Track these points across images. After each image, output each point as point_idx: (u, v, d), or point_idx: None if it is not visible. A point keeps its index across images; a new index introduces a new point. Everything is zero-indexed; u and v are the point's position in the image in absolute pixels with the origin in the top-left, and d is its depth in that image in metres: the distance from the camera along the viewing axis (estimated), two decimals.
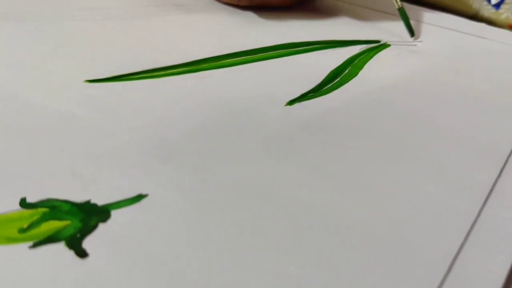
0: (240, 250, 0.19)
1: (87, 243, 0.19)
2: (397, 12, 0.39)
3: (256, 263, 0.19)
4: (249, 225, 0.21)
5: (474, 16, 0.42)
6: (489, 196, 0.23)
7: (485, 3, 0.40)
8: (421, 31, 0.37)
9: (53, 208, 0.20)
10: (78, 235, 0.19)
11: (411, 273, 0.19)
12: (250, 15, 0.36)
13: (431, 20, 0.39)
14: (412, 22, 0.39)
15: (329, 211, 0.22)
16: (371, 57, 0.33)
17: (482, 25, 0.40)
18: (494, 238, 0.21)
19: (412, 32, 0.36)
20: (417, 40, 0.36)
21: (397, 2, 0.35)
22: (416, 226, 0.21)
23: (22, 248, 0.19)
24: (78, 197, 0.21)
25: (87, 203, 0.21)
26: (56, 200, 0.21)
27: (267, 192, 0.22)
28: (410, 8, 0.41)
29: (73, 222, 0.20)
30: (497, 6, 0.40)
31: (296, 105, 0.28)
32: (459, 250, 0.20)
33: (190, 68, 0.30)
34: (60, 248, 0.19)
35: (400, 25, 0.38)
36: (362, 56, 0.33)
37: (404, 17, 0.36)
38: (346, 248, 0.20)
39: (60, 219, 0.20)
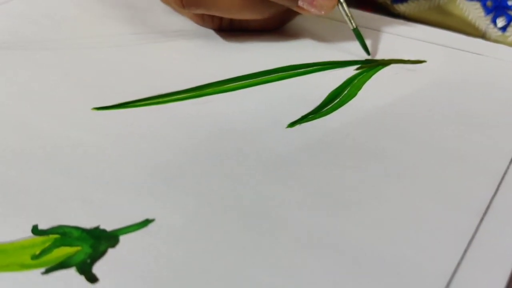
0: (245, 271, 0.20)
1: (97, 268, 0.20)
2: (390, 29, 0.40)
3: (261, 284, 0.20)
4: (253, 246, 0.21)
5: (481, 39, 0.42)
6: (486, 212, 0.24)
7: (492, 25, 0.41)
8: (418, 49, 0.38)
9: (64, 234, 0.21)
10: (89, 261, 0.20)
11: None
12: (248, 40, 0.37)
13: (428, 38, 0.40)
14: (409, 40, 0.39)
15: (329, 230, 0.22)
16: (370, 77, 0.34)
17: (480, 41, 0.40)
18: (492, 255, 0.22)
19: (368, 52, 0.36)
20: (415, 59, 0.36)
21: (351, 23, 0.35)
22: (414, 243, 0.22)
23: (35, 274, 0.19)
24: (88, 223, 0.22)
25: (97, 228, 0.21)
26: (67, 226, 0.21)
27: (270, 214, 0.23)
28: (406, 25, 0.41)
29: (84, 248, 0.20)
30: (504, 28, 0.41)
31: (297, 127, 0.29)
32: (456, 267, 0.21)
33: (194, 93, 0.31)
34: (71, 274, 0.20)
35: (396, 43, 0.38)
36: (361, 76, 0.34)
37: (359, 37, 0.36)
38: (346, 267, 0.21)
39: (71, 245, 0.21)
